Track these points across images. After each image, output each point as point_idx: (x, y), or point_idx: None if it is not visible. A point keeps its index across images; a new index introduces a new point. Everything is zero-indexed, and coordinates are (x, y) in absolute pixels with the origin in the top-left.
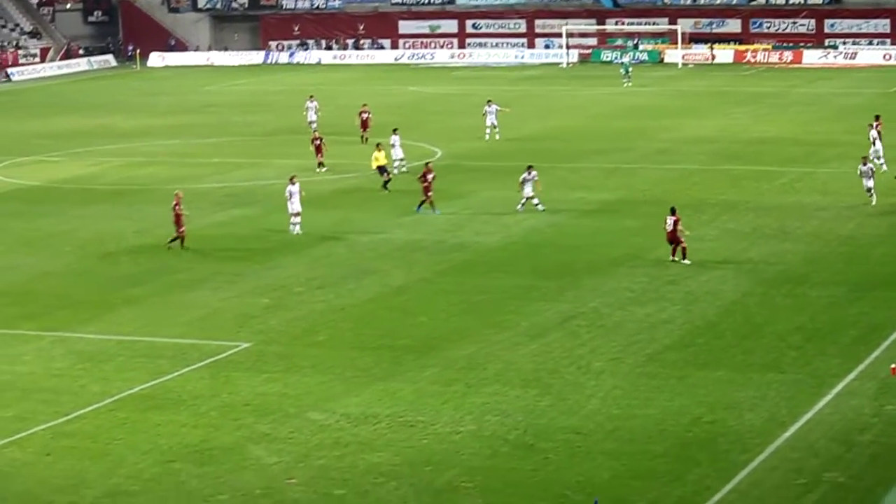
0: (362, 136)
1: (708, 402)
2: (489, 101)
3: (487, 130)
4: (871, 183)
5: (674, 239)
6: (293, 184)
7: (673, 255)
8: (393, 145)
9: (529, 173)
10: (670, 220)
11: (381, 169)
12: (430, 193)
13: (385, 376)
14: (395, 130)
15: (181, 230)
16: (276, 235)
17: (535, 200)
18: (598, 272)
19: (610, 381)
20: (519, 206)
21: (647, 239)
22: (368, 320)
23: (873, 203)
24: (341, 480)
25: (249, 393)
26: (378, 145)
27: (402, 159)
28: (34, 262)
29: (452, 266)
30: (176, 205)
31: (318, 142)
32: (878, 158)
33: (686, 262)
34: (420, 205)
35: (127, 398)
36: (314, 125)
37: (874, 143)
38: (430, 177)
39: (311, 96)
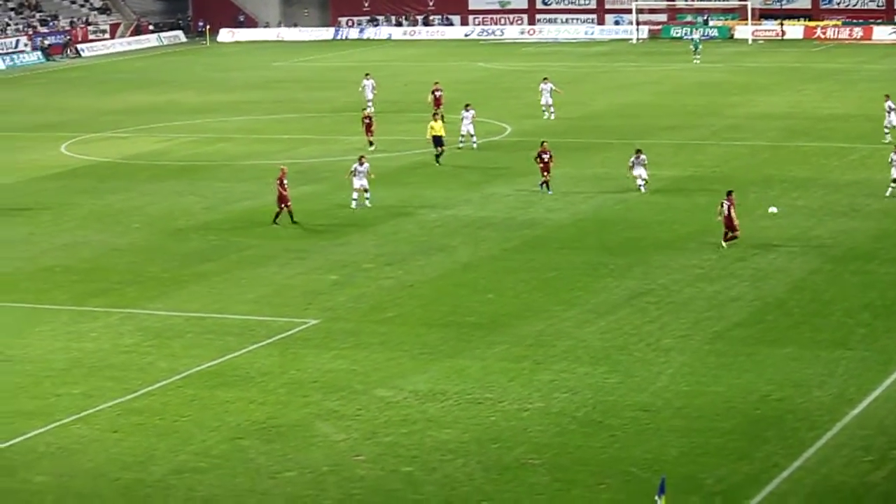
0: (435, 114)
1: (776, 380)
2: (545, 78)
3: (544, 109)
4: None
5: (730, 224)
6: (361, 164)
7: (725, 238)
8: (463, 119)
9: (638, 157)
10: (726, 204)
11: (437, 140)
12: (546, 174)
13: (453, 353)
14: (467, 106)
15: (286, 205)
16: (344, 212)
17: (640, 182)
18: (667, 249)
19: (678, 359)
20: (641, 185)
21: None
22: (436, 297)
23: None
24: (409, 457)
25: (317, 370)
26: (434, 115)
27: (471, 135)
28: (103, 238)
29: (521, 243)
30: (280, 180)
31: (367, 120)
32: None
33: (724, 245)
34: (542, 184)
35: (195, 375)
36: (370, 103)
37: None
38: (545, 156)
39: (368, 74)
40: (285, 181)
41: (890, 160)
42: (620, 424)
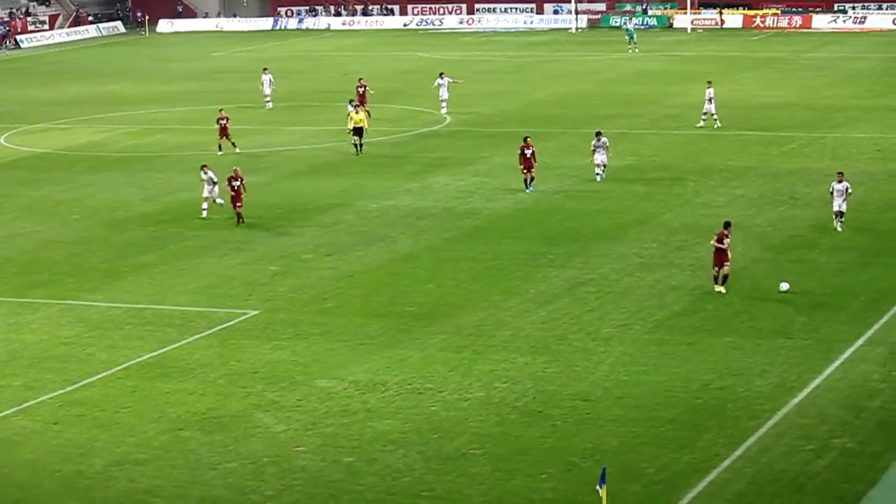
0: (357, 105)
1: (717, 369)
2: (441, 73)
3: (443, 104)
4: (843, 206)
5: (722, 260)
6: (205, 173)
7: (716, 281)
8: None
9: (599, 140)
10: (723, 237)
11: (357, 130)
12: (527, 171)
13: (393, 343)
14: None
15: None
16: (284, 203)
17: (598, 170)
18: (607, 238)
19: (618, 348)
20: (598, 174)
21: (656, 205)
22: (376, 287)
23: (839, 230)
24: (349, 448)
25: (257, 361)
26: (356, 106)
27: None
28: (42, 230)
29: (461, 233)
30: (232, 179)
31: (224, 122)
32: None
33: (723, 290)
34: (526, 181)
35: (135, 366)
36: (268, 98)
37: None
38: (528, 152)
39: (266, 68)
40: (235, 183)
41: (830, 190)
42: (560, 414)
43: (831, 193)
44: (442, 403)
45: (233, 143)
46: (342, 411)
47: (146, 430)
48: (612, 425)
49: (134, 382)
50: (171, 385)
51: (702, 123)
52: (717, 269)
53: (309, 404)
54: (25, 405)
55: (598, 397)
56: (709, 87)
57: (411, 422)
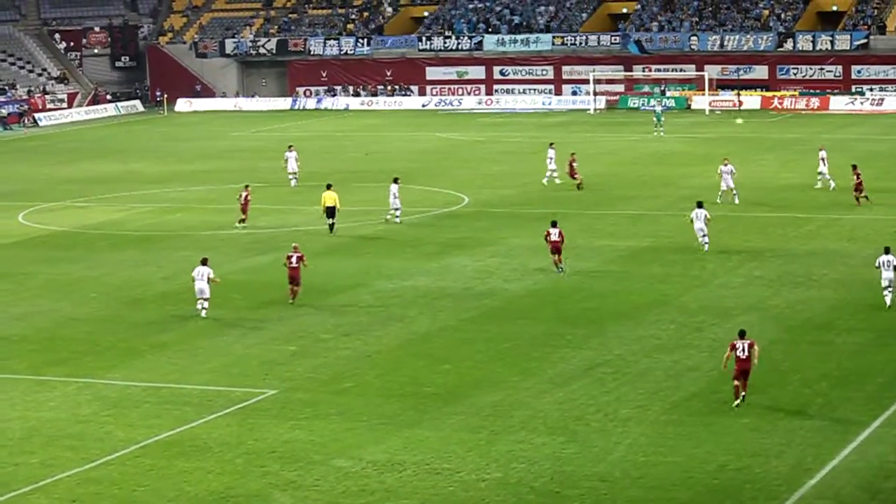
0: (329, 185)
1: (734, 450)
2: (290, 146)
3: (290, 176)
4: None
5: (746, 370)
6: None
7: (737, 396)
8: (394, 195)
9: (726, 165)
10: (742, 345)
11: (329, 210)
12: (556, 254)
13: (411, 423)
14: (395, 179)
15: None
16: (302, 282)
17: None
18: (624, 319)
19: (636, 429)
20: (718, 197)
21: (674, 286)
22: (394, 367)
23: (888, 304)
24: None
25: (275, 440)
26: (329, 186)
27: (396, 209)
28: (60, 308)
29: (479, 313)
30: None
31: (245, 194)
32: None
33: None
34: (556, 264)
35: (153, 445)
36: (295, 176)
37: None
38: (554, 232)
39: (291, 146)
40: (293, 259)
41: (877, 264)
42: (578, 495)
43: (878, 267)
44: (460, 484)
45: (241, 220)
46: (360, 491)
47: None
48: None
49: (152, 461)
50: (189, 464)
51: (719, 201)
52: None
53: (326, 484)
54: (42, 483)
55: (616, 478)
56: (725, 164)
57: (429, 502)
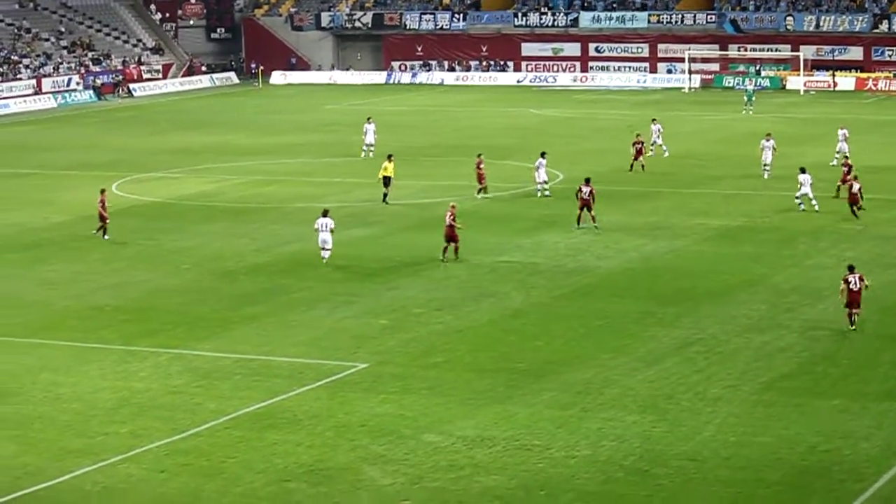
0: (390, 155)
1: (824, 431)
2: (368, 118)
3: (364, 148)
4: None
5: (857, 300)
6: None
7: (851, 321)
8: (538, 168)
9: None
10: (853, 278)
11: (385, 180)
12: (582, 210)
13: (501, 399)
14: (542, 154)
15: (454, 241)
16: (396, 256)
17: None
18: (717, 299)
19: (726, 409)
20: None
21: (767, 266)
22: (486, 343)
23: None
24: (456, 503)
25: (365, 413)
26: (389, 157)
27: (544, 182)
28: (153, 279)
29: (571, 290)
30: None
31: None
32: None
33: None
34: (579, 220)
35: (243, 417)
36: (371, 147)
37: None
38: (585, 190)
39: (370, 118)
40: (452, 218)
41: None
42: (667, 473)
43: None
44: (549, 460)
45: (480, 190)
46: (449, 466)
47: (252, 481)
48: (719, 486)
49: (241, 433)
50: (279, 436)
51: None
52: (848, 309)
53: (416, 458)
54: (132, 453)
55: (705, 457)
56: (842, 129)
57: (518, 478)
